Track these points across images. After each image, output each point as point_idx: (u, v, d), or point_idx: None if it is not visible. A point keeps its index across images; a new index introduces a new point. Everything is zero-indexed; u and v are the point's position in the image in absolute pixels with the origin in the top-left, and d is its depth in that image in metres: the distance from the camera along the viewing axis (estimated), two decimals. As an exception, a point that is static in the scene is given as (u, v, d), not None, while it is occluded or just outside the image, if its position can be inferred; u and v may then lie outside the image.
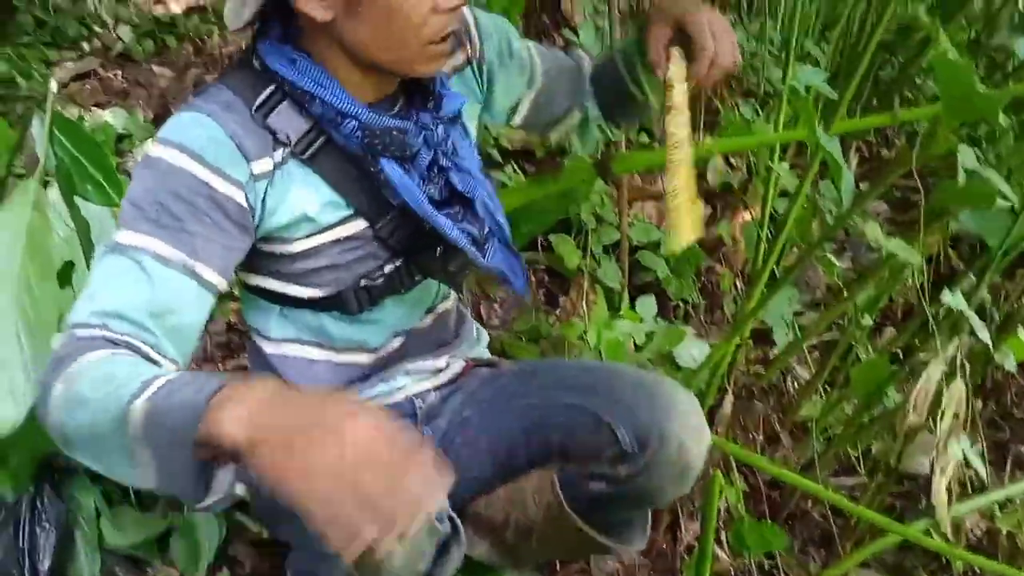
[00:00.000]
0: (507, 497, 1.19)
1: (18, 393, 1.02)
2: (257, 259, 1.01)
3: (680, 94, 1.09)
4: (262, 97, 0.95)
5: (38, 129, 1.25)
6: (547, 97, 1.25)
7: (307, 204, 0.98)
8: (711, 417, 1.66)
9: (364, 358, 1.13)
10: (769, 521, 1.50)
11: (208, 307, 0.92)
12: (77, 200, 1.27)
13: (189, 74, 2.92)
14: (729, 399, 1.59)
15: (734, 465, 1.54)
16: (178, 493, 0.75)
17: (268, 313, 1.09)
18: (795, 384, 1.86)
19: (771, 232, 1.71)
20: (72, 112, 2.31)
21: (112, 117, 2.31)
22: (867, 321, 1.59)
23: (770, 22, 2.15)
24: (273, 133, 0.95)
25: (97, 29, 3.04)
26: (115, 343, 0.81)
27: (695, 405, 1.10)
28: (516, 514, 1.19)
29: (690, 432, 1.06)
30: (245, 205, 0.93)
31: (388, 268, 1.06)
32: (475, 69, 1.16)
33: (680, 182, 1.07)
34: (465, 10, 1.12)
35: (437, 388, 1.20)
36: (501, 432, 1.15)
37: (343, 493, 0.62)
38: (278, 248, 1.00)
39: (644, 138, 2.40)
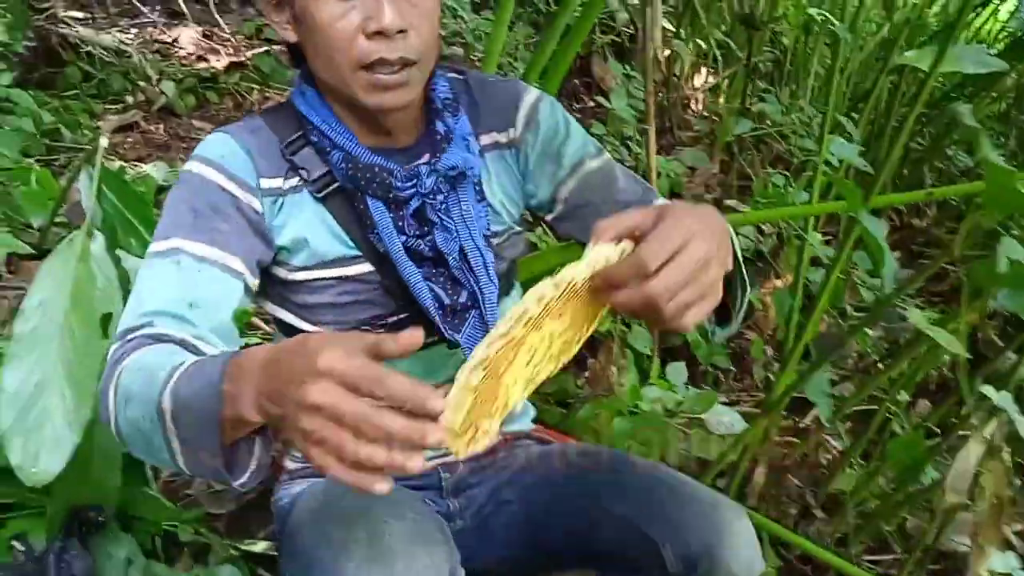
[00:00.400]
0: None
1: (60, 443, 1.04)
2: (271, 285, 1.04)
3: (574, 274, 0.71)
4: (291, 138, 1.01)
5: (86, 182, 1.29)
6: (583, 219, 1.12)
7: (310, 231, 1.00)
8: (743, 489, 1.64)
9: None
10: (802, 598, 1.47)
11: (241, 299, 0.95)
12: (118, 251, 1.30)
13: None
14: (761, 470, 1.57)
15: (767, 539, 1.51)
16: (209, 475, 0.78)
17: None
18: (828, 456, 1.84)
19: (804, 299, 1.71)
20: (115, 164, 2.37)
21: (154, 170, 2.35)
22: (903, 396, 1.57)
23: (800, 92, 2.17)
24: (294, 166, 1.00)
25: (141, 83, 3.13)
26: (160, 339, 0.84)
27: (750, 532, 1.02)
28: None
29: (742, 562, 0.99)
30: (260, 211, 0.98)
31: (391, 320, 1.04)
32: (515, 150, 1.12)
33: (482, 366, 0.67)
34: (528, 93, 1.11)
35: (466, 460, 1.16)
36: (542, 526, 1.11)
37: (335, 448, 0.62)
38: (284, 273, 1.02)
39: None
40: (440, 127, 1.03)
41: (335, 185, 1.00)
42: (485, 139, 1.09)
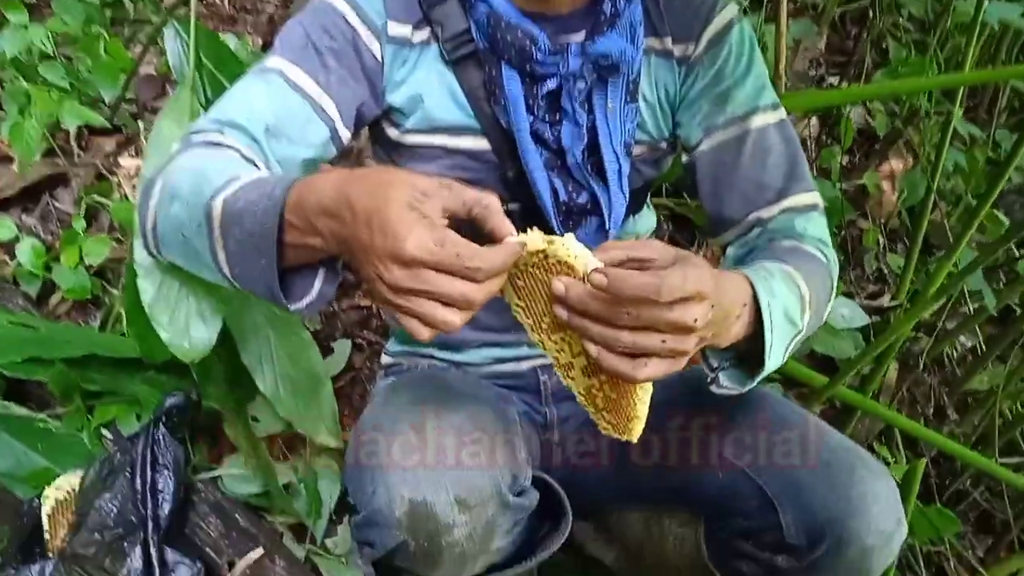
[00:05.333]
0: (644, 527, 1.04)
1: (208, 315, 0.99)
2: (381, 145, 0.99)
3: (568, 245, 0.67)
4: None
5: (172, 43, 1.26)
6: (713, 180, 0.98)
7: (428, 91, 0.91)
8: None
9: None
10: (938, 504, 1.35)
11: (322, 145, 0.89)
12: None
13: (296, 2, 2.84)
14: (893, 367, 1.44)
15: (899, 439, 1.39)
16: (261, 294, 0.74)
17: None
18: (955, 352, 1.69)
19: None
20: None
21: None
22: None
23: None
24: (429, 20, 0.90)
25: (204, -47, 2.97)
26: (223, 146, 0.82)
27: (892, 497, 0.83)
28: (651, 547, 1.04)
29: (881, 536, 0.81)
30: (379, 59, 0.90)
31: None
32: (685, 68, 0.96)
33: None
34: (726, 10, 0.94)
35: None
36: (645, 454, 0.98)
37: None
38: (395, 133, 0.95)
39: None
40: (607, 6, 0.89)
41: (469, 48, 0.90)
42: (655, 42, 0.94)
